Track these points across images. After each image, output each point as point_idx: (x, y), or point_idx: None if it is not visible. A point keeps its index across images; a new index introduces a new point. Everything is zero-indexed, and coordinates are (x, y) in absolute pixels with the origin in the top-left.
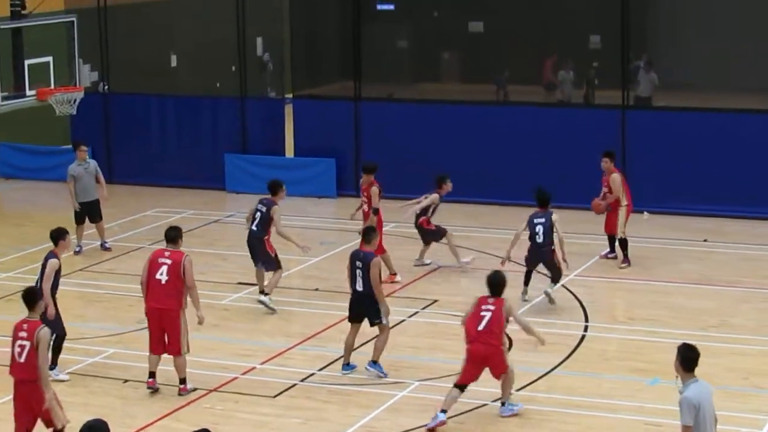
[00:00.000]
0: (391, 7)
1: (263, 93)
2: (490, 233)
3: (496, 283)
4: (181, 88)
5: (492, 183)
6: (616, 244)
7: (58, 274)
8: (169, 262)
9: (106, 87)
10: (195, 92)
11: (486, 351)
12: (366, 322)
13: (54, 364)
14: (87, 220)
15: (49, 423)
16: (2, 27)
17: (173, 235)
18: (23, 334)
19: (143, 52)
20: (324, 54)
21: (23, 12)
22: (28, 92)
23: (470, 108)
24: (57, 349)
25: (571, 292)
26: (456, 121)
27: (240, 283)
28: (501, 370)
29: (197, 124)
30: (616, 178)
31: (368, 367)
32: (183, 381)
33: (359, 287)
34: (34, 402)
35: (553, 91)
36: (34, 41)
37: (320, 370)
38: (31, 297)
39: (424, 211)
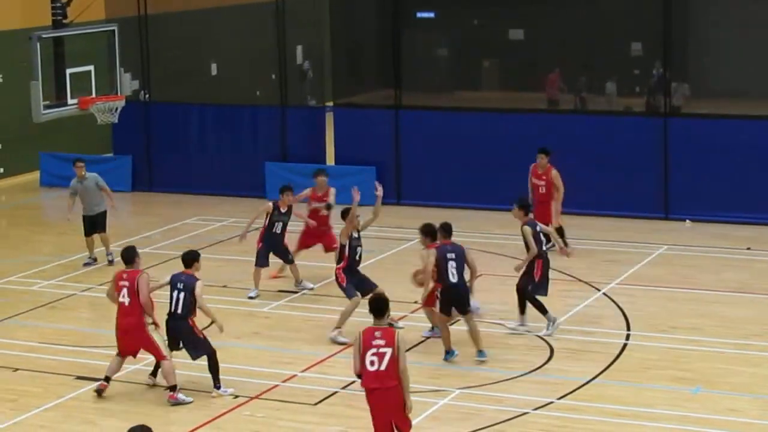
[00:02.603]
0: (431, 15)
1: (303, 101)
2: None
3: None
4: (222, 97)
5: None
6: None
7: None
8: (127, 284)
9: (147, 96)
10: (235, 101)
11: None
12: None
13: (217, 384)
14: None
15: (405, 428)
16: (44, 36)
17: (128, 256)
18: (380, 342)
19: (184, 60)
20: (364, 62)
21: (65, 21)
22: (70, 101)
23: (510, 116)
24: (214, 369)
25: (612, 301)
26: (496, 129)
27: (280, 291)
28: None
29: (237, 133)
30: (557, 174)
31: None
32: (172, 389)
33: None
34: (391, 409)
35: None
36: (76, 50)
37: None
38: (378, 305)
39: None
